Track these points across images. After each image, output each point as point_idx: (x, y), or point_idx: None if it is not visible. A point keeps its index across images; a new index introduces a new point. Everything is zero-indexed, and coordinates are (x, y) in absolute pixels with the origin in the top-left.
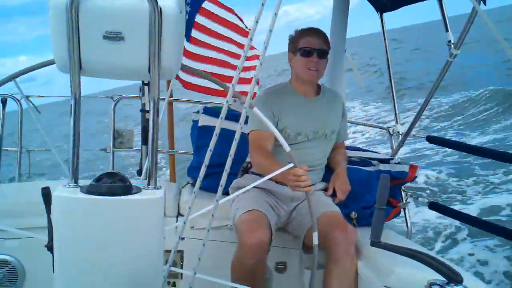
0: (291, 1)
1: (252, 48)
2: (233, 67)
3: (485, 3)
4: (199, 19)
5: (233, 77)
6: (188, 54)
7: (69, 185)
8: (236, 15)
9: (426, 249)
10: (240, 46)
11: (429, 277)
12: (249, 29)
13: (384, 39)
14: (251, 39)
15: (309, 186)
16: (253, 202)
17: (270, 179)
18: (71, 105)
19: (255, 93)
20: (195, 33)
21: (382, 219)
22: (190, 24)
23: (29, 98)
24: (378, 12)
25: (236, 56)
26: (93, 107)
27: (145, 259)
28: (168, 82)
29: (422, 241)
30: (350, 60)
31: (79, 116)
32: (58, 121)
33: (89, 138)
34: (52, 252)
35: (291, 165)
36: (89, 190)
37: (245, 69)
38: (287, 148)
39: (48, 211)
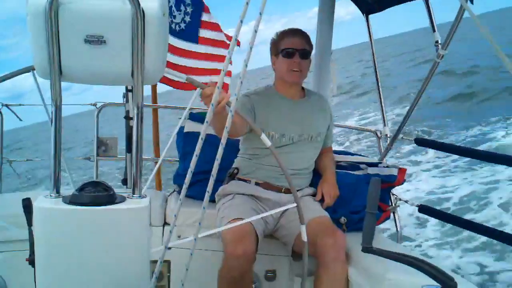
0: (283, 13)
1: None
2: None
3: (471, 2)
4: (205, 17)
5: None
6: (196, 55)
7: (50, 195)
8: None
9: (418, 253)
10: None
11: (422, 282)
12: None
13: (371, 41)
14: (236, 39)
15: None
16: (238, 210)
17: (257, 184)
18: (51, 112)
19: None
20: (203, 32)
21: (374, 224)
22: (195, 24)
23: (9, 106)
24: (364, 14)
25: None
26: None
27: (130, 270)
28: (154, 87)
29: (412, 246)
30: (332, 61)
31: (60, 124)
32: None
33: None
34: (33, 266)
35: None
36: (71, 201)
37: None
38: (258, 132)
39: (29, 223)
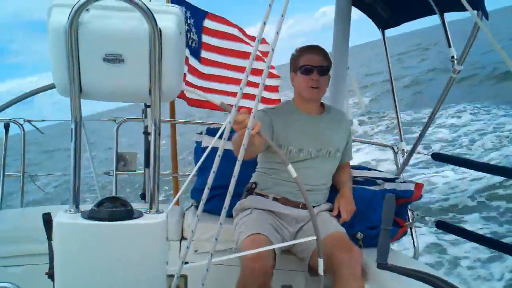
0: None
1: (259, 58)
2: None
3: (487, 18)
4: (205, 38)
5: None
6: (200, 74)
7: (70, 210)
8: (236, 26)
9: (434, 270)
10: (247, 56)
11: None
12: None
13: (387, 55)
14: (257, 50)
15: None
16: (256, 225)
17: (274, 199)
18: (71, 129)
19: None
20: (204, 54)
21: (388, 240)
22: (198, 45)
23: (31, 122)
24: (380, 29)
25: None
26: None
27: (147, 285)
28: (172, 104)
29: (431, 262)
30: (353, 79)
31: (80, 140)
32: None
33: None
34: (52, 280)
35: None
36: (90, 216)
37: (253, 85)
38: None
39: (49, 237)
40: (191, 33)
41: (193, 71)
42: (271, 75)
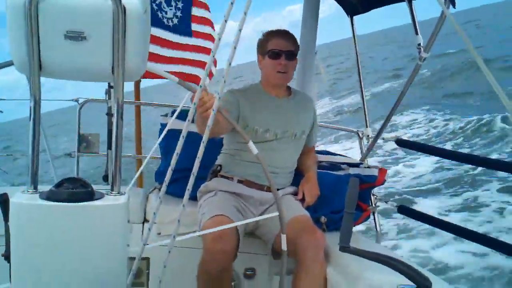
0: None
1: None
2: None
3: (454, 6)
4: (195, 11)
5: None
6: (191, 47)
7: (28, 191)
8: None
9: (395, 253)
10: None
11: (398, 281)
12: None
13: (355, 42)
14: (219, 39)
15: (211, 108)
16: (219, 206)
17: (239, 181)
18: (30, 107)
19: None
20: (194, 27)
21: (351, 224)
22: (187, 19)
23: None
24: (349, 15)
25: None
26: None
27: (108, 267)
28: (137, 84)
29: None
30: (319, 62)
31: (39, 120)
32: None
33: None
34: (9, 262)
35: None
36: (48, 197)
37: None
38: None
39: (6, 219)
40: (173, 9)
41: (157, 41)
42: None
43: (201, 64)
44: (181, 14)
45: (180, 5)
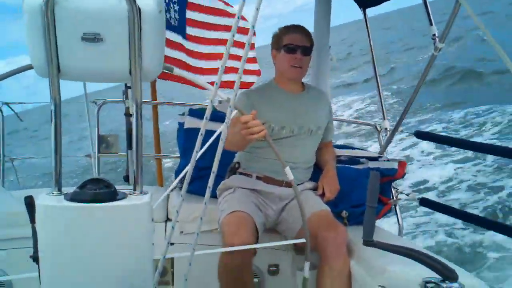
0: None
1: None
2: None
3: None
4: (190, 14)
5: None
6: (187, 51)
7: (52, 193)
8: (222, 1)
9: (419, 246)
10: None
11: (423, 275)
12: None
13: (368, 34)
14: (236, 27)
15: (262, 131)
16: (237, 203)
17: (258, 178)
18: (51, 110)
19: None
20: (189, 30)
21: (374, 217)
22: (182, 21)
23: (9, 105)
24: (361, 8)
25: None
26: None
27: (134, 266)
28: (153, 84)
29: (415, 238)
30: (332, 58)
31: (60, 122)
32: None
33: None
34: (37, 263)
35: (235, 111)
36: (73, 198)
37: (236, 58)
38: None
39: (32, 221)
40: (173, 11)
41: (176, 46)
42: (249, 61)
43: (198, 70)
44: (178, 17)
45: (176, 7)
